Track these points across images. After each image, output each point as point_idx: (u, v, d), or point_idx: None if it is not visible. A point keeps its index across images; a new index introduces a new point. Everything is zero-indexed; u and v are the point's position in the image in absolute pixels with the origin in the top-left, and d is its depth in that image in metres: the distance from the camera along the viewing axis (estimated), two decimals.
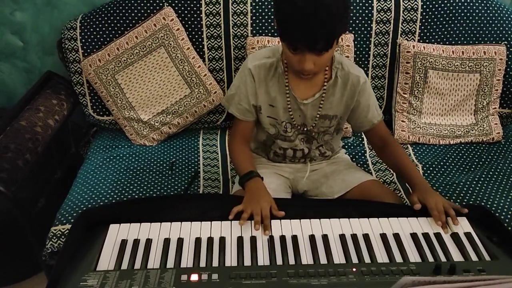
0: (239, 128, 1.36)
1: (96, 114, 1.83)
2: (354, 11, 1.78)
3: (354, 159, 1.68)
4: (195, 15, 1.77)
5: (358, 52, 1.82)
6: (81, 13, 1.81)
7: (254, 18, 1.77)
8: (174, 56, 1.75)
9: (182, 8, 1.76)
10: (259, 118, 1.35)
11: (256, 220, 1.11)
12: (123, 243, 1.05)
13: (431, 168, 1.65)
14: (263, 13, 1.77)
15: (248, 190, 1.22)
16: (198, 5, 1.76)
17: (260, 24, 1.78)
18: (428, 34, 1.83)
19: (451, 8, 1.82)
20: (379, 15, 1.80)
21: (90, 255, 1.02)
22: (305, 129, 1.35)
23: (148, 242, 1.06)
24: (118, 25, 1.76)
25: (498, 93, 1.84)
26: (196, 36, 1.79)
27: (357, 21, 1.80)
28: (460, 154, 1.74)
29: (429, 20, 1.82)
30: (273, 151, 1.44)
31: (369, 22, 1.80)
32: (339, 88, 1.29)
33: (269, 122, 1.35)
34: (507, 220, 1.38)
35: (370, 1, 1.79)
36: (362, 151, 1.75)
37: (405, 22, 1.81)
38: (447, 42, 1.84)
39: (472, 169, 1.65)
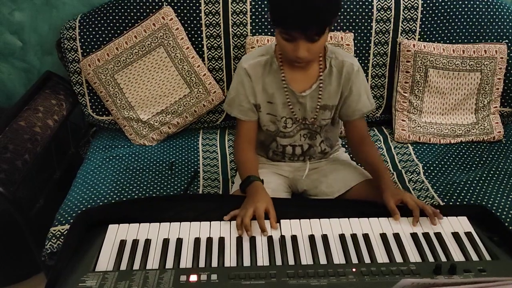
0: (243, 130, 1.36)
1: (95, 114, 1.83)
2: (354, 9, 1.78)
3: (353, 158, 1.67)
4: (194, 15, 1.76)
5: (358, 51, 1.81)
6: (80, 13, 1.80)
7: (253, 17, 1.77)
8: (174, 55, 1.75)
9: (182, 8, 1.76)
10: (259, 116, 1.35)
11: (237, 223, 1.09)
12: (122, 243, 1.05)
13: (431, 168, 1.64)
14: (263, 12, 1.76)
15: (247, 195, 1.20)
16: (197, 5, 1.75)
17: (260, 24, 1.77)
18: (428, 32, 1.83)
19: (452, 6, 1.81)
20: (379, 13, 1.79)
21: (89, 256, 1.02)
22: (306, 122, 1.34)
23: (147, 242, 1.05)
24: (117, 24, 1.76)
25: (499, 92, 1.84)
26: (196, 36, 1.78)
27: (357, 20, 1.79)
28: (461, 153, 1.74)
29: (430, 18, 1.81)
30: (272, 150, 1.43)
31: (369, 21, 1.79)
32: (334, 77, 1.30)
33: (269, 119, 1.35)
34: (508, 220, 1.37)
35: (370, 0, 1.78)
36: None
37: (405, 21, 1.81)
38: (448, 41, 1.83)
39: (473, 168, 1.64)
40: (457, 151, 1.75)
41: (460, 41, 1.83)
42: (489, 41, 1.83)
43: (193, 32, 1.78)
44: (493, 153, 1.73)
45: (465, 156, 1.72)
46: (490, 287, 0.61)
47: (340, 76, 1.30)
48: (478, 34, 1.83)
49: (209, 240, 1.06)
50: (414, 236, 1.09)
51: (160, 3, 1.75)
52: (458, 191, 1.50)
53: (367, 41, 1.82)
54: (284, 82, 1.28)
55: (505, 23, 1.83)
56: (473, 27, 1.83)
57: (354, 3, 1.77)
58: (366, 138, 1.40)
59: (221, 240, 1.06)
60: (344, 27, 1.79)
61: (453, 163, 1.67)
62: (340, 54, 1.30)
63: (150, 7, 1.75)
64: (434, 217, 1.13)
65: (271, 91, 1.30)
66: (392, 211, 1.15)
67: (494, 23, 1.83)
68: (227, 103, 1.36)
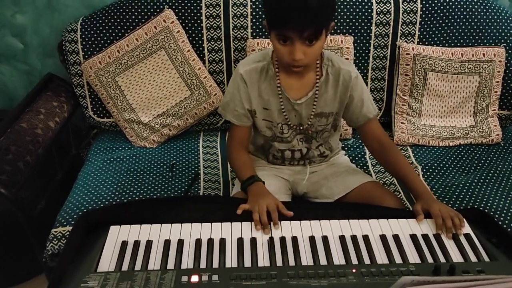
0: (236, 134, 1.36)
1: (96, 116, 1.84)
2: (354, 13, 1.79)
3: (353, 161, 1.68)
4: (195, 18, 1.78)
5: (357, 54, 1.83)
6: (81, 16, 1.81)
7: (254, 20, 1.78)
8: (175, 58, 1.76)
9: (183, 11, 1.77)
10: (255, 122, 1.36)
11: (255, 219, 1.11)
12: (124, 244, 1.06)
13: (430, 170, 1.65)
14: (263, 16, 1.78)
15: (251, 193, 1.21)
16: (198, 8, 1.77)
17: (260, 27, 1.78)
18: (427, 36, 1.84)
19: (450, 10, 1.82)
20: (378, 17, 1.80)
21: (90, 257, 1.02)
22: (301, 128, 1.35)
23: (149, 243, 1.06)
24: (119, 27, 1.77)
25: (497, 95, 1.85)
26: (196, 39, 1.79)
27: (357, 24, 1.80)
28: (460, 156, 1.75)
29: (429, 22, 1.83)
30: (271, 154, 1.44)
31: (368, 24, 1.81)
32: (331, 84, 1.30)
33: (265, 125, 1.35)
34: (506, 222, 1.38)
35: (369, 4, 1.80)
36: (362, 153, 1.76)
37: (404, 25, 1.82)
38: (447, 44, 1.84)
39: (471, 171, 1.65)
40: (456, 153, 1.76)
41: (458, 44, 1.84)
42: (487, 44, 1.84)
43: (194, 35, 1.79)
44: (491, 155, 1.74)
45: (464, 158, 1.73)
46: (488, 284, 0.62)
47: (337, 84, 1.29)
48: (477, 37, 1.84)
49: (210, 241, 1.06)
50: (413, 237, 1.10)
51: (161, 6, 1.76)
52: (456, 193, 1.51)
53: (367, 45, 1.83)
54: (279, 89, 1.28)
55: (503, 27, 1.85)
56: (472, 30, 1.84)
57: (354, 6, 1.79)
58: (384, 142, 1.34)
59: (222, 241, 1.06)
60: (344, 31, 1.80)
61: (452, 166, 1.68)
62: (337, 61, 1.30)
63: (152, 10, 1.76)
64: (451, 232, 1.11)
65: (266, 97, 1.30)
66: (415, 212, 1.17)
67: (492, 27, 1.84)
68: (222, 106, 1.36)
